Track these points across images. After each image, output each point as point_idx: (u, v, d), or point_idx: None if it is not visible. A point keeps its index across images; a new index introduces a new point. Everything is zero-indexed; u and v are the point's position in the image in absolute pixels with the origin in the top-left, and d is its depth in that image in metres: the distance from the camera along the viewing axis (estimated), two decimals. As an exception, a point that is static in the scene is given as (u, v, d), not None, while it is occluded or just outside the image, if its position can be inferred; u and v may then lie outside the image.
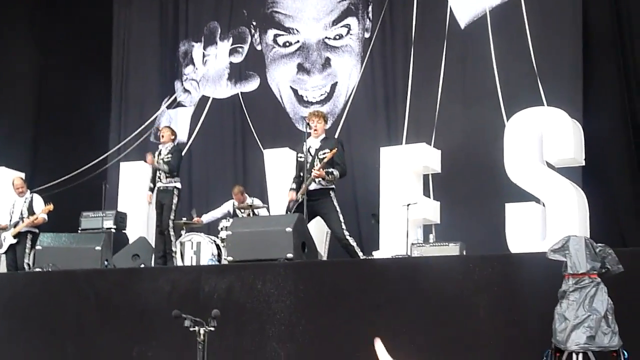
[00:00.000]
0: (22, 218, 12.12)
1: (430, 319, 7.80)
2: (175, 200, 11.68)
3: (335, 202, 9.90)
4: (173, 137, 12.22)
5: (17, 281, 9.74)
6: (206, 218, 12.83)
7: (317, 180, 9.93)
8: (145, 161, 12.31)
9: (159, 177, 11.79)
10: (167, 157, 11.84)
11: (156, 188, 11.87)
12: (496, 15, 12.98)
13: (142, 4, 16.25)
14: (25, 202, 12.25)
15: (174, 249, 11.63)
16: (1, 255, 12.35)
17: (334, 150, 9.97)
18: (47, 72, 16.72)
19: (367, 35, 14.27)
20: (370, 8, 14.32)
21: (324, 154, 10.02)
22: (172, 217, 11.66)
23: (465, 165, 12.75)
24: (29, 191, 12.46)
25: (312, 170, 9.89)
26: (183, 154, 13.04)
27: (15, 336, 9.30)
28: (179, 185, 11.80)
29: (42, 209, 12.09)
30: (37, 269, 10.14)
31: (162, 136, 12.14)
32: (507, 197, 11.30)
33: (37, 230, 11.98)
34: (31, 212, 12.13)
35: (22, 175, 13.57)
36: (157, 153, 12.04)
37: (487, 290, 7.67)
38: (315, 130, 10.27)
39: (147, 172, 12.69)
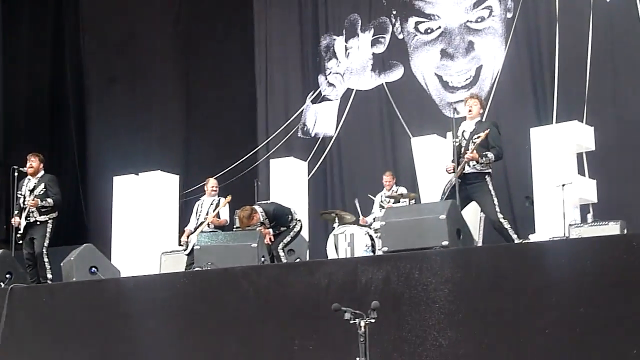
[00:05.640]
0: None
1: (593, 301, 7.58)
2: None
3: (490, 186, 9.68)
4: None
5: (178, 280, 9.93)
6: (369, 218, 12.74)
7: (471, 163, 9.72)
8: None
9: None
10: None
11: None
12: (644, -17, 12.61)
13: (282, 1, 16.39)
14: (212, 204, 12.23)
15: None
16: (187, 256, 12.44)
17: (487, 131, 9.69)
18: (193, 73, 17.13)
19: (509, 15, 14.04)
20: (511, -14, 14.08)
21: (478, 136, 9.75)
22: None
23: (620, 140, 12.45)
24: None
25: (466, 153, 9.72)
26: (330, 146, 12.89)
27: (178, 334, 9.49)
28: None
29: (225, 211, 12.11)
30: (197, 268, 10.33)
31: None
32: (667, 169, 10.96)
33: None
34: (217, 213, 12.12)
35: (177, 177, 13.84)
36: None
37: (654, 268, 7.40)
38: (470, 111, 10.01)
39: (296, 168, 12.86)
